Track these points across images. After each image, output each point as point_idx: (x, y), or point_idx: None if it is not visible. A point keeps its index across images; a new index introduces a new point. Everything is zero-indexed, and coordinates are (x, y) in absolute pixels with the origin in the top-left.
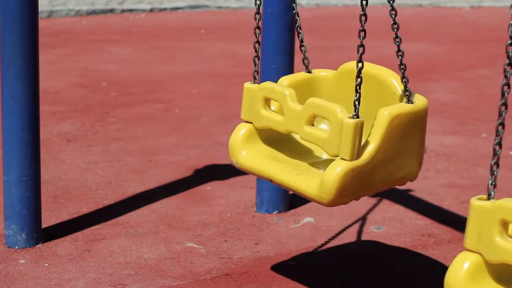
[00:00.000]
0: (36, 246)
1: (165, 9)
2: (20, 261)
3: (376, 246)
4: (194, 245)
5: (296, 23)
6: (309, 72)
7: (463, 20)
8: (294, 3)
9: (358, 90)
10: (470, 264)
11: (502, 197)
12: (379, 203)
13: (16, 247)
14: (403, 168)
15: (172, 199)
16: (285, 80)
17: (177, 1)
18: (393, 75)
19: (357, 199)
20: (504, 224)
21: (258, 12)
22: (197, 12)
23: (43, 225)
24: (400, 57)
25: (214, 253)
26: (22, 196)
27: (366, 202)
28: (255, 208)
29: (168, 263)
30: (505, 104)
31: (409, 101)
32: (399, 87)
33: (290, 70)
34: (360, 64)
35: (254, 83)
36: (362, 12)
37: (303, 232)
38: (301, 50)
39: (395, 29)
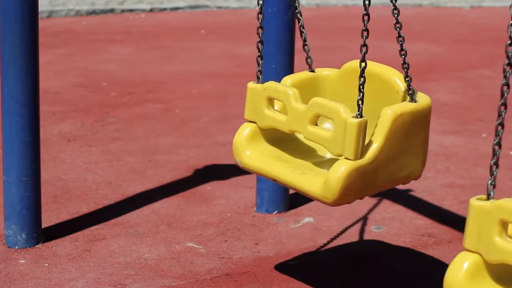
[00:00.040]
0: (36, 246)
1: (165, 9)
2: (20, 261)
3: (376, 246)
4: (194, 245)
5: (299, 22)
6: (312, 71)
7: (463, 20)
8: (297, 2)
9: (362, 90)
10: (469, 264)
11: (502, 197)
12: (379, 203)
13: (16, 247)
14: (407, 167)
15: (172, 199)
16: (288, 79)
17: (177, 1)
18: (396, 74)
19: (361, 198)
20: (504, 224)
21: (261, 12)
22: (197, 12)
23: (43, 225)
24: (403, 56)
25: (214, 253)
26: (22, 196)
27: (366, 202)
28: (255, 208)
29: (168, 263)
30: (504, 104)
31: (413, 100)
32: (402, 86)
33: (290, 70)
34: (363, 64)
35: (258, 82)
36: (365, 12)
37: (303, 232)
38: (304, 49)
39: (398, 28)
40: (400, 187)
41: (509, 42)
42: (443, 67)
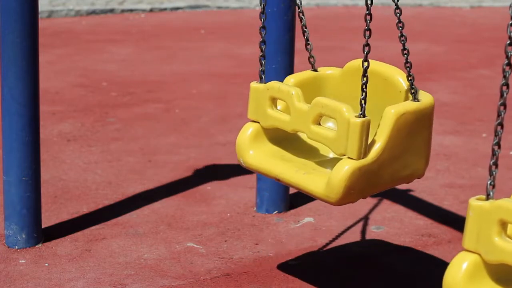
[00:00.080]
0: (36, 246)
1: (165, 9)
2: (20, 261)
3: (376, 246)
4: (194, 245)
5: (301, 21)
6: (315, 70)
7: (463, 20)
8: (299, 1)
9: (364, 89)
10: (468, 264)
11: (502, 197)
12: (379, 203)
13: (16, 247)
14: (410, 166)
15: (172, 199)
16: (291, 79)
17: (177, 1)
18: (399, 73)
19: (364, 197)
20: (503, 224)
21: (263, 12)
22: (197, 12)
23: (43, 225)
24: (405, 55)
25: (214, 253)
26: (22, 196)
27: (366, 202)
28: (255, 208)
29: (168, 263)
30: (504, 104)
31: (415, 99)
32: (405, 85)
33: (290, 70)
34: (366, 64)
35: (261, 82)
36: (367, 12)
37: (303, 232)
38: (306, 48)
39: (400, 28)
40: (400, 187)
41: (508, 42)
42: (443, 67)
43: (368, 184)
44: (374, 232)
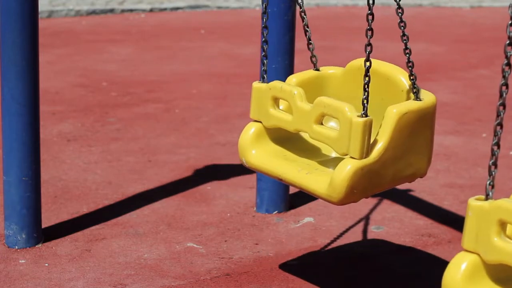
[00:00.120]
0: (36, 246)
1: (165, 9)
2: (20, 261)
3: (376, 246)
4: (194, 245)
5: (303, 21)
6: (317, 70)
7: (463, 20)
8: (301, 1)
9: (367, 89)
10: (467, 264)
11: (502, 197)
12: (379, 203)
13: (16, 247)
14: (412, 165)
15: (172, 199)
16: (293, 78)
17: (177, 1)
18: (401, 72)
19: (366, 197)
20: (502, 225)
21: (265, 12)
22: (197, 12)
23: (43, 225)
24: (407, 55)
25: (214, 253)
26: (22, 196)
27: (366, 202)
28: (255, 208)
29: (168, 263)
30: (503, 104)
31: (417, 98)
32: (407, 84)
33: (290, 70)
34: (368, 63)
35: (263, 82)
36: (369, 11)
37: (303, 232)
38: (308, 48)
39: (402, 27)
40: (400, 187)
41: (508, 42)
42: (443, 67)
43: (370, 184)
44: (374, 232)
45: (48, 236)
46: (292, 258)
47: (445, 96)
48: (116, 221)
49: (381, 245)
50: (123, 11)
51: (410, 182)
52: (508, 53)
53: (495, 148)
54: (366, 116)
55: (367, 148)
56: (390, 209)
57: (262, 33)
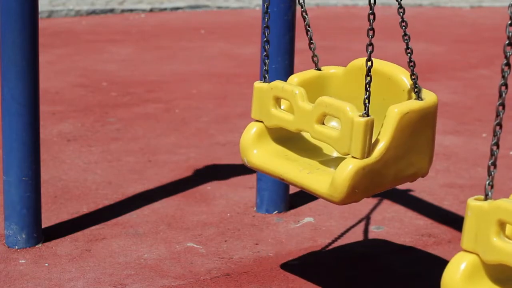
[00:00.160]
0: (36, 246)
1: (165, 9)
2: (20, 261)
3: (376, 246)
4: (194, 245)
5: (305, 20)
6: (319, 69)
7: (463, 20)
8: (303, 1)
9: (368, 89)
10: (467, 264)
11: (501, 198)
12: (379, 203)
13: (16, 247)
14: (414, 165)
15: (172, 199)
16: (294, 78)
17: (177, 1)
18: (402, 71)
19: (368, 197)
20: (501, 225)
21: (266, 12)
22: (197, 12)
23: (43, 225)
24: (409, 54)
25: (214, 253)
26: (22, 196)
27: (366, 202)
28: (255, 208)
29: (168, 263)
30: (502, 104)
31: (419, 97)
32: (408, 84)
33: (290, 70)
34: (369, 63)
35: (264, 82)
36: (371, 11)
37: (303, 232)
38: (310, 47)
39: (404, 27)
40: (400, 187)
41: (507, 42)
42: (443, 67)
43: (372, 183)
44: (374, 232)
45: (48, 236)
46: (292, 258)
47: (445, 96)
48: (116, 221)
49: (381, 245)
50: (123, 11)
51: (411, 181)
52: (508, 53)
53: (494, 148)
54: (368, 115)
55: (369, 147)
56: (390, 209)
57: (264, 33)
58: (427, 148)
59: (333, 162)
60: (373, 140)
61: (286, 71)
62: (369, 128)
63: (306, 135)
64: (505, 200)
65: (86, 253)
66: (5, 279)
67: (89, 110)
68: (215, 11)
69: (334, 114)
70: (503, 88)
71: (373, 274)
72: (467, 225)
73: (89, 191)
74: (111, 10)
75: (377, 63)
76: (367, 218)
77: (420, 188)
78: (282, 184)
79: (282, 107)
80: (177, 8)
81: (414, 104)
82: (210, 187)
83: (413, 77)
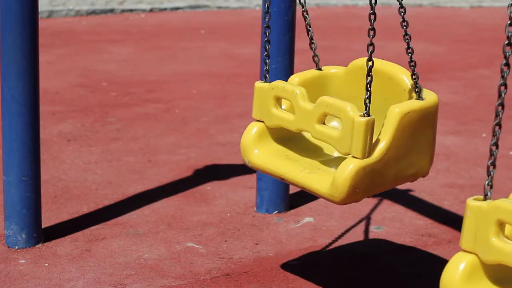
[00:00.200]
0: (36, 246)
1: (165, 9)
2: (20, 261)
3: (376, 246)
4: (194, 245)
5: (305, 20)
6: (319, 69)
7: (463, 20)
8: (304, 0)
9: (369, 89)
10: (466, 264)
11: (501, 197)
12: (379, 203)
13: (16, 247)
14: (415, 164)
15: (172, 199)
16: (295, 78)
17: (177, 1)
18: (403, 71)
19: (368, 196)
20: (501, 225)
21: (267, 12)
22: (197, 12)
23: (43, 225)
24: (410, 54)
25: (214, 253)
26: (22, 196)
27: (366, 202)
28: (255, 208)
29: (168, 263)
30: (502, 104)
31: (420, 97)
32: (409, 84)
33: (290, 70)
34: (370, 63)
35: (265, 82)
36: (372, 11)
37: (303, 232)
38: (311, 47)
39: (405, 27)
40: (400, 187)
41: (506, 42)
42: (443, 67)
43: (372, 183)
44: (374, 232)
45: (48, 236)
46: (292, 258)
47: (445, 96)
48: (116, 221)
49: (382, 245)
50: (123, 11)
51: (412, 181)
52: (507, 53)
53: (494, 148)
54: (368, 115)
55: (369, 147)
56: (390, 209)
57: (265, 33)
58: (428, 148)
59: (334, 162)
60: (374, 140)
61: (286, 71)
62: (370, 128)
63: (307, 135)
64: (505, 200)
65: (86, 253)
66: (5, 279)
67: (89, 110)
68: (215, 11)
69: (335, 114)
70: (502, 88)
71: (373, 274)
72: (466, 225)
73: (89, 191)
74: (111, 10)
75: (378, 63)
76: (367, 218)
77: (420, 188)
78: (282, 184)
79: (283, 107)
80: (177, 8)
81: (415, 104)
82: (210, 187)
83: (414, 77)
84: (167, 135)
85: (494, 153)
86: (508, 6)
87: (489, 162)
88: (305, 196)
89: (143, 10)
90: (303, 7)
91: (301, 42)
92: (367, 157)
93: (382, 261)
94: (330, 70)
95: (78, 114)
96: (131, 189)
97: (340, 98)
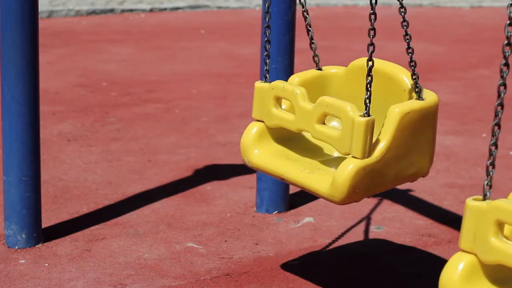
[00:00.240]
0: (36, 246)
1: (165, 9)
2: (20, 261)
3: (376, 246)
4: (194, 245)
5: (306, 20)
6: (320, 69)
7: (463, 20)
8: (304, 0)
9: (369, 89)
10: (465, 264)
11: (500, 197)
12: (379, 203)
13: (16, 247)
14: (415, 164)
15: (172, 199)
16: (295, 78)
17: (177, 1)
18: (403, 71)
19: (368, 196)
20: (500, 225)
21: (267, 11)
22: (197, 12)
23: (43, 225)
24: (410, 54)
25: (214, 253)
26: (22, 196)
27: (366, 202)
28: (255, 208)
29: (168, 263)
30: (501, 104)
31: (420, 97)
32: (409, 84)
33: (290, 70)
34: (370, 63)
35: (265, 82)
36: (372, 11)
37: (303, 232)
38: (311, 47)
39: (405, 27)
40: (400, 187)
41: (506, 42)
42: (443, 67)
43: (372, 183)
44: (374, 232)
45: (48, 236)
46: (292, 258)
47: (445, 96)
48: (116, 221)
49: (382, 245)
50: (123, 11)
51: (412, 181)
52: (506, 53)
53: (493, 148)
54: (369, 115)
55: (369, 147)
56: (390, 209)
57: (265, 33)
58: (428, 148)
59: (334, 162)
60: (374, 140)
61: (286, 71)
62: (370, 128)
63: (307, 135)
64: (504, 200)
65: (86, 253)
66: (5, 279)
67: (89, 110)
68: (215, 11)
69: (335, 114)
70: (501, 88)
71: (373, 274)
72: (466, 225)
73: (89, 191)
74: (111, 10)
75: (378, 63)
76: (367, 218)
77: (420, 188)
78: (282, 184)
79: (283, 107)
80: (177, 8)
81: (415, 104)
82: (210, 187)
83: (414, 77)
84: (167, 135)
85: (493, 153)
86: (508, 6)
87: (488, 162)
88: (305, 196)
89: (143, 10)
90: (303, 7)
91: (301, 42)
92: (367, 157)
93: (382, 261)
94: (330, 70)
95: (78, 114)
96: (131, 189)
97: (340, 98)
